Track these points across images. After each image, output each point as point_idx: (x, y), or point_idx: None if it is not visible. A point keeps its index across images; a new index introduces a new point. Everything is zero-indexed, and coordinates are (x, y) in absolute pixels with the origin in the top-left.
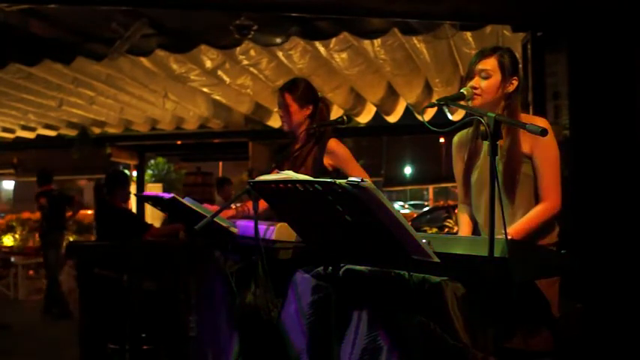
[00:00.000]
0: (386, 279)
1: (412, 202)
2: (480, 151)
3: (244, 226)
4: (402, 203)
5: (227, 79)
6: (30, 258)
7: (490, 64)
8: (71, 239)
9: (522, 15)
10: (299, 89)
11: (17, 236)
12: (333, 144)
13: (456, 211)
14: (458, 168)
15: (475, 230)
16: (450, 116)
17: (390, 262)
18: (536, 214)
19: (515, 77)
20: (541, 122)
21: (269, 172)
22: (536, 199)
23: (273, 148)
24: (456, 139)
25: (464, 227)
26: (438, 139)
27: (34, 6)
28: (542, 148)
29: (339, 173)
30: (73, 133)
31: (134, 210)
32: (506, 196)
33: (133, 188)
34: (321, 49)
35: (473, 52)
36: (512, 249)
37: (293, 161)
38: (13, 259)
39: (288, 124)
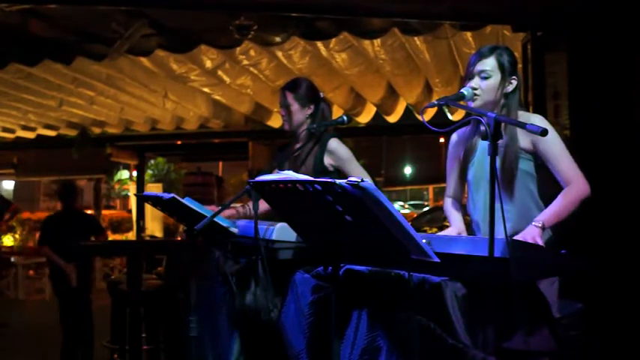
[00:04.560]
0: (386, 279)
1: (412, 202)
2: (475, 147)
3: (244, 226)
4: (402, 203)
5: (227, 79)
6: (30, 258)
7: (489, 64)
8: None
9: (522, 15)
10: (301, 89)
11: (17, 236)
12: (334, 143)
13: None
14: (452, 163)
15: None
16: (450, 116)
17: (390, 262)
18: (564, 196)
19: (514, 77)
20: (538, 120)
21: (269, 172)
22: (538, 196)
23: (274, 148)
24: (454, 136)
25: (457, 222)
26: (438, 139)
27: (34, 6)
28: (545, 141)
29: (339, 173)
30: (73, 133)
31: (133, 210)
32: (504, 192)
33: (132, 188)
34: (322, 49)
35: (473, 52)
36: (513, 249)
37: (293, 161)
38: (13, 259)
39: (289, 124)
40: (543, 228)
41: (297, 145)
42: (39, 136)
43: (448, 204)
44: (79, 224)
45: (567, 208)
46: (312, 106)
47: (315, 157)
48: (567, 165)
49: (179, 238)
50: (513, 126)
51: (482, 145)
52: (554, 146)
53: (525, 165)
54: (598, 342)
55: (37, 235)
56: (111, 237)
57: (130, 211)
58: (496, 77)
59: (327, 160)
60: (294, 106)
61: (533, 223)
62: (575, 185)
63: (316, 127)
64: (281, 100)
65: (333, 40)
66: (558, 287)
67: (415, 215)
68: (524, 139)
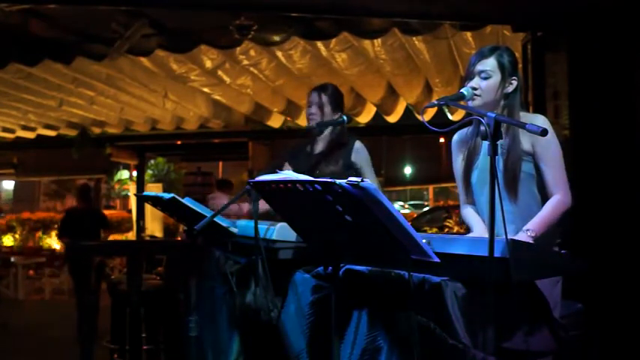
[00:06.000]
0: (386, 279)
1: (412, 202)
2: (478, 149)
3: (244, 226)
4: (402, 203)
5: (227, 79)
6: (30, 258)
7: (489, 64)
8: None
9: (522, 15)
10: (334, 94)
11: (17, 236)
12: (359, 144)
13: (457, 211)
14: (459, 166)
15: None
16: (450, 116)
17: (390, 262)
18: (552, 208)
19: (515, 77)
20: (541, 120)
21: (276, 171)
22: (539, 197)
23: (274, 148)
24: (455, 137)
25: (479, 227)
26: (438, 139)
27: (34, 6)
28: (543, 144)
29: (358, 173)
30: (73, 133)
31: (133, 210)
32: (508, 194)
33: (132, 188)
34: (322, 49)
35: (473, 52)
36: (513, 249)
37: (317, 159)
38: (13, 259)
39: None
40: (534, 237)
41: (320, 145)
42: (39, 136)
43: (466, 212)
44: (94, 221)
45: (555, 219)
46: (339, 113)
47: (343, 155)
48: (559, 174)
49: (179, 238)
50: (515, 127)
51: (485, 148)
52: (551, 152)
53: (527, 167)
54: (598, 342)
55: (37, 234)
56: (111, 237)
57: (130, 211)
58: (496, 77)
59: (353, 158)
60: (327, 108)
61: (526, 232)
62: (562, 197)
63: (317, 127)
64: (314, 99)
65: (333, 40)
66: (561, 288)
67: (415, 215)
68: (525, 141)
